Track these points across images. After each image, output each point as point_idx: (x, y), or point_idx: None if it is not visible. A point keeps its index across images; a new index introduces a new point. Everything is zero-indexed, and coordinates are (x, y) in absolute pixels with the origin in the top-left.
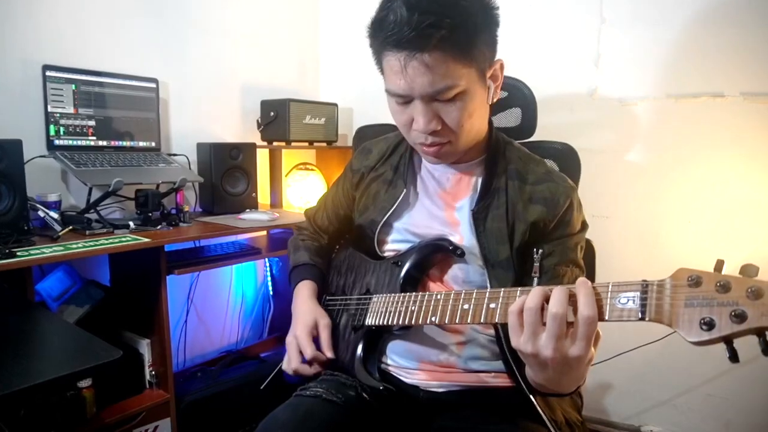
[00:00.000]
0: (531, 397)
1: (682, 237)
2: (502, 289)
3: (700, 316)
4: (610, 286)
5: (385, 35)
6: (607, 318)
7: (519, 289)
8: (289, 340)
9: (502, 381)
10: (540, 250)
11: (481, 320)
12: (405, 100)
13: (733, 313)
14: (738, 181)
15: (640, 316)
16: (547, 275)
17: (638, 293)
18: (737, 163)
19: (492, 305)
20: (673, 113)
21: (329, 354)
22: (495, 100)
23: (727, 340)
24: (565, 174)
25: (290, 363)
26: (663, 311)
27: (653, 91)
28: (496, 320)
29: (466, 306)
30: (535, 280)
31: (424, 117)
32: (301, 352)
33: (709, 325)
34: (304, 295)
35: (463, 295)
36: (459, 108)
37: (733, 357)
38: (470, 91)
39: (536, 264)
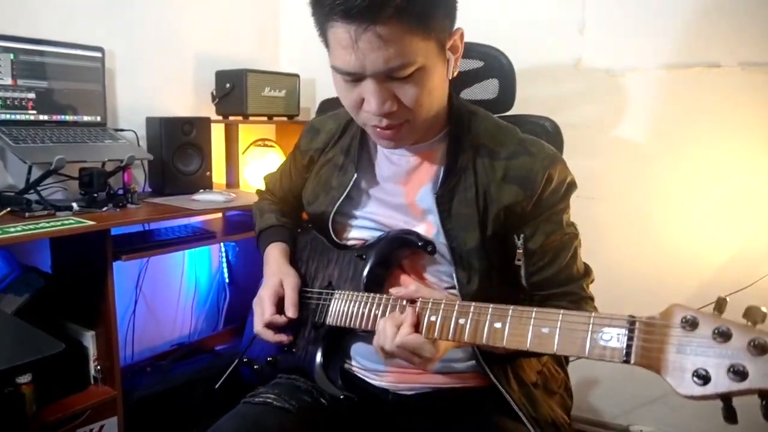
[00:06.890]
0: (506, 394)
1: (675, 218)
2: (473, 304)
3: (694, 367)
4: (592, 320)
5: (332, 3)
6: (587, 355)
7: (491, 306)
8: (255, 301)
9: (477, 381)
10: (522, 235)
11: (449, 337)
12: (354, 78)
13: (731, 369)
14: (735, 158)
15: (624, 358)
16: (533, 258)
17: (624, 330)
18: (734, 138)
19: (461, 321)
20: (664, 85)
21: (290, 313)
22: (455, 73)
23: (725, 398)
24: None
25: (255, 326)
26: (650, 356)
27: (643, 60)
28: (465, 339)
29: (433, 318)
30: (522, 268)
31: (378, 98)
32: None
33: (704, 378)
34: (274, 256)
35: (430, 305)
36: (417, 86)
37: (730, 418)
38: (429, 67)
39: (519, 250)
